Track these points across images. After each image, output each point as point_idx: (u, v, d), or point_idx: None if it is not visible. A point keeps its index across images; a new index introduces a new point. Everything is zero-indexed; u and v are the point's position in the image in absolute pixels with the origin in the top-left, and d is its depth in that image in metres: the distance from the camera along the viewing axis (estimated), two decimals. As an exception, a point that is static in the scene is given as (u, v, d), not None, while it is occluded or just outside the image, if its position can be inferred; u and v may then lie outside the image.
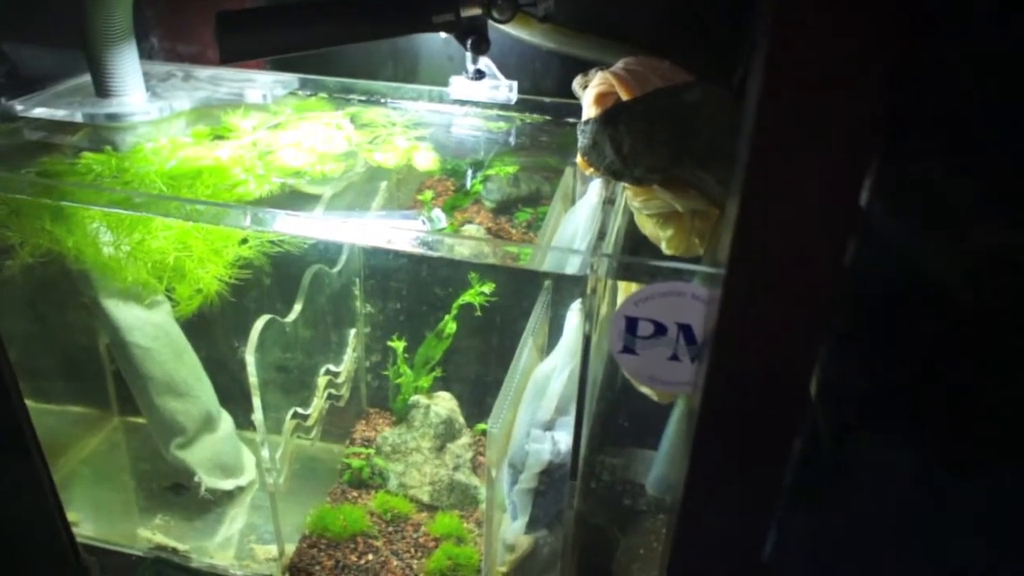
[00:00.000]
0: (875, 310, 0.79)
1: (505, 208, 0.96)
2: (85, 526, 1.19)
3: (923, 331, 0.77)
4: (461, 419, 1.28)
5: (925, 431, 0.79)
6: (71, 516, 1.07)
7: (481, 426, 1.29)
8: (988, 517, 0.80)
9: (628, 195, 0.86)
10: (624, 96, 0.81)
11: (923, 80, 0.68)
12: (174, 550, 1.16)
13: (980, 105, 0.69)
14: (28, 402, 0.93)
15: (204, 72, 1.21)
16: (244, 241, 1.06)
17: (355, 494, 1.25)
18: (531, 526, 0.96)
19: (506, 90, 1.11)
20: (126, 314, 1.09)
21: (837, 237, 0.54)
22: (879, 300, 0.79)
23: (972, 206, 0.72)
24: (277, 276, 1.17)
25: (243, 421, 1.24)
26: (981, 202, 0.71)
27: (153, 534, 1.17)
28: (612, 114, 0.76)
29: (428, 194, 0.98)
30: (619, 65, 0.87)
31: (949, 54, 0.68)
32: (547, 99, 1.13)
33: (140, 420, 1.23)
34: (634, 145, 0.73)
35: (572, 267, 0.77)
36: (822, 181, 0.52)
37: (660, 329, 0.68)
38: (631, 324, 0.69)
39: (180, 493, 1.22)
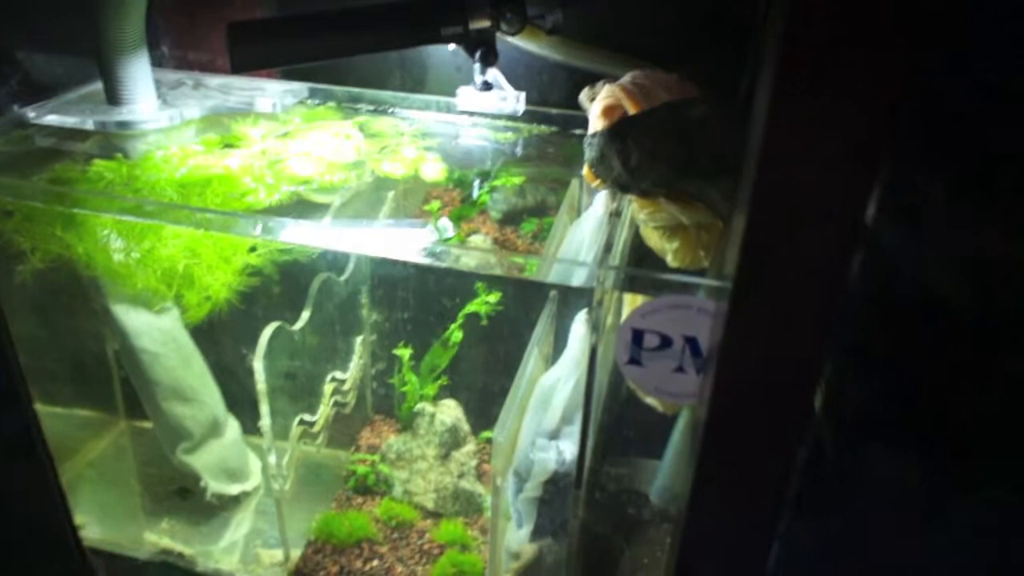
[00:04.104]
0: (880, 323, 0.79)
1: (511, 219, 0.97)
2: (92, 529, 1.20)
3: (928, 344, 0.77)
4: (466, 427, 1.29)
5: (930, 444, 0.80)
6: (78, 519, 1.07)
7: (486, 434, 1.30)
8: (992, 532, 0.80)
9: (634, 207, 0.86)
10: (631, 110, 0.82)
11: (932, 95, 0.69)
12: (180, 554, 1.16)
13: (989, 119, 0.69)
14: (37, 405, 0.94)
15: (214, 80, 1.21)
16: (253, 249, 1.06)
17: (360, 500, 1.26)
18: (536, 535, 0.97)
19: (513, 101, 1.11)
20: (135, 320, 1.10)
21: (843, 251, 0.55)
22: (884, 313, 0.79)
23: (977, 219, 0.72)
24: (285, 284, 1.18)
25: (250, 427, 1.24)
26: (985, 215, 0.72)
27: (159, 538, 1.18)
28: (620, 128, 0.76)
29: (435, 204, 0.98)
30: (626, 78, 0.87)
31: (958, 69, 0.69)
32: (554, 110, 1.13)
33: (147, 424, 1.24)
34: (642, 159, 0.74)
35: (579, 279, 0.77)
36: (829, 194, 0.53)
37: (666, 341, 0.69)
38: (637, 336, 0.69)
39: (186, 497, 1.23)
